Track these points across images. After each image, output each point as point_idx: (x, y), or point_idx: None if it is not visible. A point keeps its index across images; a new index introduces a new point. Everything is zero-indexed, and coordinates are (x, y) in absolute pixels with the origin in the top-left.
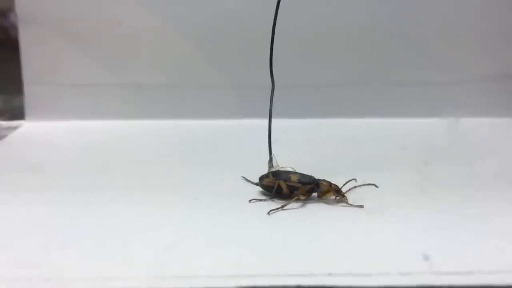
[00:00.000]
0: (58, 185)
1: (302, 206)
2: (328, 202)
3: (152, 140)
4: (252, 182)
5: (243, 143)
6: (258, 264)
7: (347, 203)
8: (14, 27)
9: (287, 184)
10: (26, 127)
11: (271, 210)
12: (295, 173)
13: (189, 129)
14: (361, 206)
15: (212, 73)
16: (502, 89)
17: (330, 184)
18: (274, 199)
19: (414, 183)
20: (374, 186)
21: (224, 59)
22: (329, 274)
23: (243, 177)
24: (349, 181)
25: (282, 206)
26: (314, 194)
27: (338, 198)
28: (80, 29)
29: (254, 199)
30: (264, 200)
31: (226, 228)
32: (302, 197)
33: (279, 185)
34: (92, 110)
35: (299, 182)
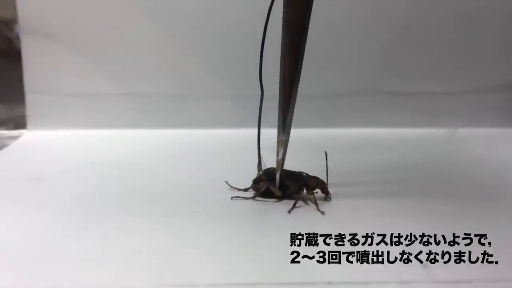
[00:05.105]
0: (59, 195)
1: (299, 214)
2: (321, 210)
3: (153, 150)
4: (238, 189)
5: (243, 152)
6: (258, 272)
7: (316, 205)
8: (18, 38)
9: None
10: (27, 136)
11: (290, 210)
12: (285, 170)
13: (190, 139)
14: (323, 213)
15: (213, 83)
16: (501, 100)
17: (317, 180)
18: (256, 199)
19: (413, 192)
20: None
21: (224, 69)
22: (329, 283)
23: (226, 182)
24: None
25: (294, 205)
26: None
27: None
28: (82, 40)
29: (237, 197)
30: (247, 198)
31: (226, 237)
32: (311, 193)
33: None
34: (93, 119)
35: (289, 181)
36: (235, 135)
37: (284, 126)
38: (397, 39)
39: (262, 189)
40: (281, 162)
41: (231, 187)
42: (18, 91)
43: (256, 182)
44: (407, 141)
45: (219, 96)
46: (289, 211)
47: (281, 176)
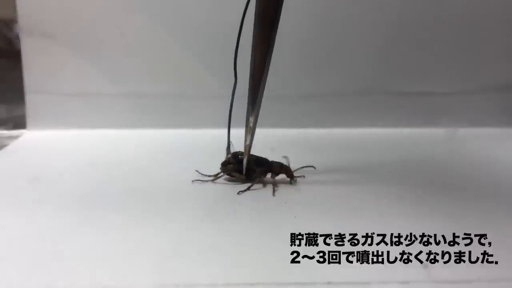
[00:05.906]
0: (59, 195)
1: (299, 213)
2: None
3: (153, 150)
4: (205, 175)
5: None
6: (258, 272)
7: (273, 189)
8: (18, 38)
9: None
10: (27, 136)
11: (241, 191)
12: (251, 155)
13: (190, 139)
14: (274, 195)
15: (213, 83)
16: (501, 99)
17: (281, 165)
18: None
19: (412, 192)
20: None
21: (224, 69)
22: (329, 283)
23: (196, 170)
24: (305, 167)
25: (249, 187)
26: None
27: (290, 179)
28: (82, 40)
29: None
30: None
31: (225, 237)
32: (273, 177)
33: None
34: (93, 119)
35: (255, 165)
36: (234, 135)
37: (253, 111)
38: (397, 39)
39: (228, 171)
40: (248, 147)
41: (202, 175)
42: (18, 91)
43: (224, 164)
44: (407, 141)
45: (219, 96)
46: (239, 192)
47: (248, 161)
